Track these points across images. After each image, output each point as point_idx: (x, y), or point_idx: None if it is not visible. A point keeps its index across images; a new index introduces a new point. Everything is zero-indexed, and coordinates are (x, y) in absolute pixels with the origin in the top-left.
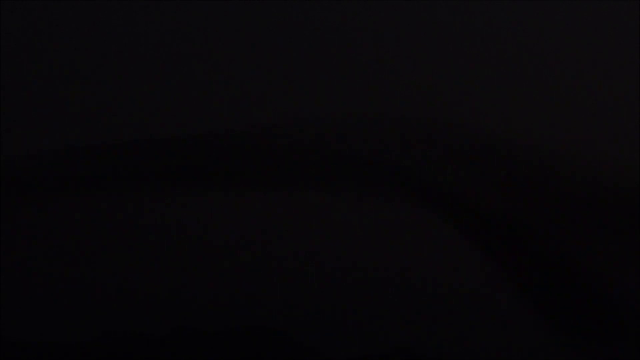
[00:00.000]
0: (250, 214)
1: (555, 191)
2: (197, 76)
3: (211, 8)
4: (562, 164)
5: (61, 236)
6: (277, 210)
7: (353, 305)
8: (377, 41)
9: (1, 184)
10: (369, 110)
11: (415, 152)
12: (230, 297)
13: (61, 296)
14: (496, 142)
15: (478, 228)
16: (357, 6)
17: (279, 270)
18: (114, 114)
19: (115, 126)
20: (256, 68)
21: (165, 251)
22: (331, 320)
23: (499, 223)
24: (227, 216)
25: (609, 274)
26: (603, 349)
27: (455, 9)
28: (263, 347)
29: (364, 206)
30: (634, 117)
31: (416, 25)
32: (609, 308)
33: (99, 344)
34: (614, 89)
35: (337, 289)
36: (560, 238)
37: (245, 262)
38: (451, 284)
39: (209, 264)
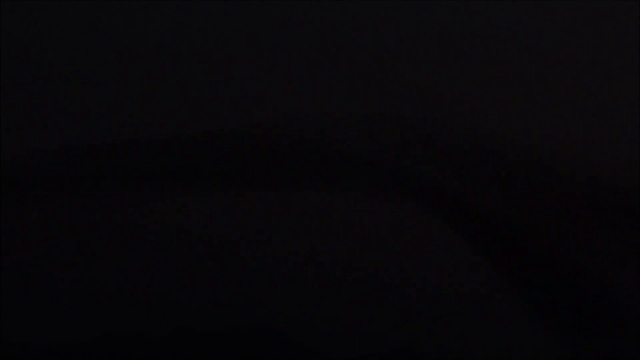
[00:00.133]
0: (250, 214)
1: (555, 191)
2: (196, 76)
3: (210, 8)
4: (561, 164)
5: (61, 236)
6: (277, 210)
7: (353, 305)
8: (375, 40)
9: (1, 184)
10: (367, 110)
11: (414, 152)
12: (230, 297)
13: (61, 296)
14: (495, 142)
15: (477, 228)
16: (356, 6)
17: (279, 270)
18: (113, 114)
19: (114, 126)
20: (255, 68)
21: (165, 251)
22: (331, 320)
23: (498, 223)
24: (228, 216)
25: (608, 273)
26: (602, 349)
27: (455, 9)
28: (263, 347)
29: (363, 206)
30: (634, 117)
31: (414, 25)
32: (609, 308)
33: (99, 344)
34: (614, 89)
35: (337, 288)
36: (560, 238)
37: (245, 262)
38: (451, 283)
39: (209, 264)
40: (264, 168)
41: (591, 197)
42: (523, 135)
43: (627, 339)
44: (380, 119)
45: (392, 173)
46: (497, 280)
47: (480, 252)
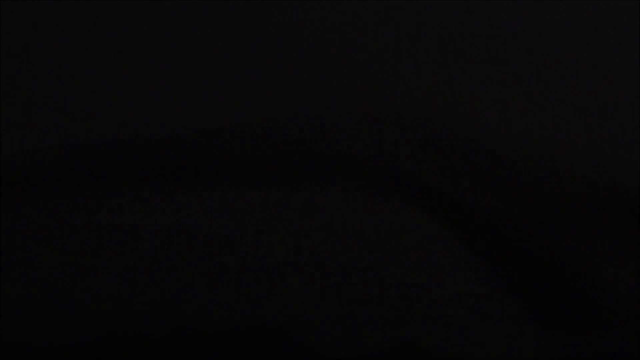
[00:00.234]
0: (250, 213)
1: (554, 191)
2: (196, 75)
3: (209, 7)
4: (561, 164)
5: (61, 236)
6: (278, 210)
7: (352, 304)
8: (375, 40)
9: (1, 184)
10: (367, 110)
11: (413, 152)
12: (230, 297)
13: (61, 296)
14: (494, 143)
15: (476, 228)
16: (356, 6)
17: (279, 271)
18: (112, 114)
19: (113, 125)
20: (255, 67)
21: (165, 251)
22: (330, 319)
23: (497, 223)
24: (228, 216)
25: (608, 273)
26: (602, 348)
27: (455, 9)
28: (263, 347)
29: (363, 206)
30: (634, 117)
31: (414, 25)
32: (608, 307)
33: (99, 344)
34: (614, 89)
35: (336, 288)
36: (559, 238)
37: (245, 262)
38: (451, 283)
39: (209, 264)
40: (264, 167)
41: (591, 197)
42: (523, 136)
43: (627, 339)
44: (380, 119)
45: (391, 173)
46: (497, 280)
47: (480, 252)
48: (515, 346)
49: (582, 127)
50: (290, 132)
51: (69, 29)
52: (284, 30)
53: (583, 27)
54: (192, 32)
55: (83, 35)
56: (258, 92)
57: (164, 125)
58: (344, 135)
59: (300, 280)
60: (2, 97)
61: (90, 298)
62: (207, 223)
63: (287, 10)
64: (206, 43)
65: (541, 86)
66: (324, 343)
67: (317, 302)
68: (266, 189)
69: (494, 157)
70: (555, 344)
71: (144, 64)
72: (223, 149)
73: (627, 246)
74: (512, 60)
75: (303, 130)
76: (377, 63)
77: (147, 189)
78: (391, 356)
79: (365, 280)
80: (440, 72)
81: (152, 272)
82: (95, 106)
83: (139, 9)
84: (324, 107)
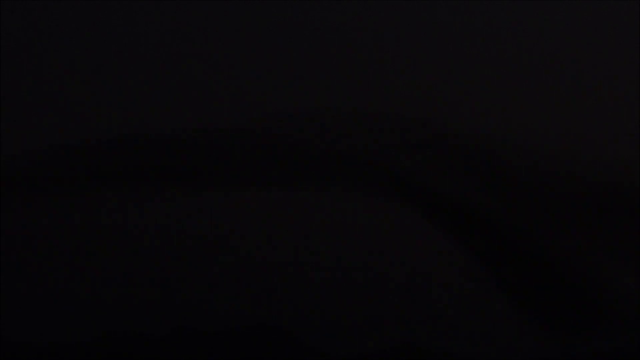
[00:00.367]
0: (250, 213)
1: (554, 191)
2: (193, 75)
3: (209, 7)
4: (561, 164)
5: (61, 236)
6: (278, 209)
7: (352, 303)
8: (371, 40)
9: (1, 184)
10: (366, 110)
11: (413, 152)
12: (230, 297)
13: (61, 296)
14: (494, 143)
15: (476, 229)
16: (354, 6)
17: (279, 270)
18: (111, 113)
19: (111, 124)
20: (254, 66)
21: (165, 251)
22: (331, 318)
23: (496, 224)
24: (228, 216)
25: (608, 273)
26: (601, 348)
27: (455, 9)
28: (263, 347)
29: (363, 206)
30: (634, 117)
31: (409, 24)
32: (608, 307)
33: (99, 344)
34: (614, 89)
35: (336, 287)
36: (559, 238)
37: (245, 262)
38: (451, 283)
39: (209, 263)
40: (263, 167)
41: (591, 197)
42: (522, 136)
43: (627, 339)
44: (380, 119)
45: (391, 173)
46: (496, 280)
47: (480, 252)
48: (515, 346)
49: (582, 127)
50: (289, 132)
51: (68, 28)
52: (284, 30)
53: (583, 27)
54: (192, 32)
55: (83, 35)
56: (257, 92)
57: (164, 124)
58: (344, 135)
59: (300, 280)
60: (2, 97)
61: (90, 298)
62: (207, 223)
63: (287, 10)
64: (206, 42)
65: (541, 86)
66: (324, 342)
67: (317, 302)
68: (266, 189)
69: (493, 157)
70: (555, 343)
71: (144, 64)
72: (222, 149)
73: (627, 246)
74: (512, 60)
75: (303, 129)
76: (377, 63)
77: (147, 189)
78: (391, 356)
79: (365, 279)
80: (440, 72)
81: (152, 272)
82: (95, 106)
83: (138, 8)
84: (323, 107)
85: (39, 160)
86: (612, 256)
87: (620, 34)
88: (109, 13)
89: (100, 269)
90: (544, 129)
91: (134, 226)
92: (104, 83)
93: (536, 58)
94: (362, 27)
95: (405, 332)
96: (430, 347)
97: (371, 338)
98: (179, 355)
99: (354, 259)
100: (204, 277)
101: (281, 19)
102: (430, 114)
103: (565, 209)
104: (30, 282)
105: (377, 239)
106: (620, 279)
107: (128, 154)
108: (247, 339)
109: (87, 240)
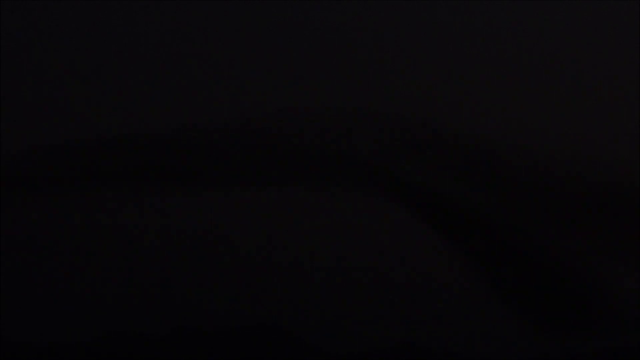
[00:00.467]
0: (250, 213)
1: (554, 191)
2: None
3: (209, 7)
4: (561, 164)
5: (61, 236)
6: (279, 209)
7: (352, 303)
8: (371, 40)
9: (1, 184)
10: (366, 110)
11: (410, 152)
12: (230, 296)
13: (61, 296)
14: (494, 144)
15: (477, 229)
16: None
17: (279, 270)
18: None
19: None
20: (254, 66)
21: (165, 251)
22: (330, 318)
23: (496, 224)
24: (228, 216)
25: (608, 273)
26: (600, 346)
27: (455, 9)
28: (263, 346)
29: (362, 206)
30: (634, 117)
31: (409, 24)
32: (608, 307)
33: (99, 344)
34: (614, 89)
35: (336, 286)
36: (559, 237)
37: (244, 262)
38: (450, 283)
39: (209, 263)
40: (263, 167)
41: (591, 197)
42: (522, 136)
43: (627, 339)
44: (380, 118)
45: (390, 173)
46: (496, 280)
47: (480, 252)
48: (515, 346)
49: (582, 127)
50: (289, 132)
51: (68, 28)
52: (284, 30)
53: (583, 27)
54: (192, 32)
55: (82, 35)
56: (257, 92)
57: (164, 124)
58: (344, 135)
59: (300, 280)
60: (2, 96)
61: (90, 298)
62: (207, 223)
63: (287, 10)
64: (206, 42)
65: (541, 86)
66: (324, 341)
67: (317, 301)
68: (265, 189)
69: (493, 157)
70: (555, 343)
71: (144, 64)
72: (222, 149)
73: (627, 246)
74: (512, 61)
75: (303, 130)
76: (377, 63)
77: (147, 189)
78: (391, 355)
79: (365, 279)
80: (440, 72)
81: (152, 272)
82: (95, 105)
83: (138, 8)
84: (323, 107)
85: (39, 159)
86: (612, 256)
87: (620, 34)
88: (109, 13)
89: (100, 269)
90: (544, 129)
91: (134, 226)
92: (104, 83)
93: (536, 58)
94: (362, 27)
95: (405, 332)
96: (430, 346)
97: (371, 337)
98: (179, 355)
99: (353, 258)
100: (204, 277)
101: (281, 18)
102: (430, 114)
103: (565, 209)
104: (30, 282)
105: (377, 238)
106: (620, 279)
107: (128, 154)
108: (247, 338)
109: (87, 240)
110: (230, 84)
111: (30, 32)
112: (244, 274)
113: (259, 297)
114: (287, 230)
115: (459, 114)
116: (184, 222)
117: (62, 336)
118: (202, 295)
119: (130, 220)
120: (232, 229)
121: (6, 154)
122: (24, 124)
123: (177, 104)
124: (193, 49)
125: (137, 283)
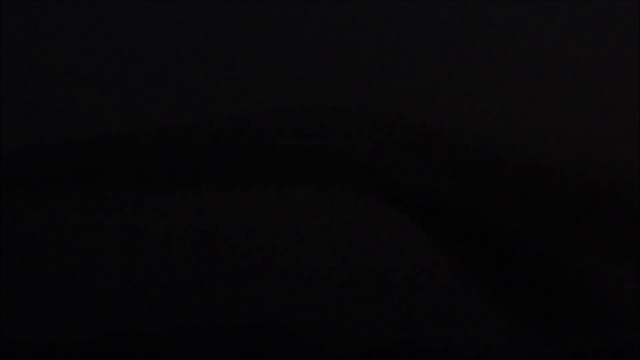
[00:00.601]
0: (249, 213)
1: (554, 191)
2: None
3: (209, 7)
4: (561, 164)
5: (60, 236)
6: (279, 208)
7: (352, 302)
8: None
9: (1, 184)
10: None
11: (409, 152)
12: (231, 296)
13: (61, 296)
14: (493, 144)
15: (477, 229)
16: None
17: (279, 269)
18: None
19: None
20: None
21: (165, 251)
22: (331, 317)
23: (497, 223)
24: (228, 215)
25: (608, 273)
26: (599, 345)
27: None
28: (264, 345)
29: (362, 205)
30: (634, 117)
31: (409, 24)
32: (607, 307)
33: (99, 344)
34: (614, 89)
35: (336, 286)
36: (558, 237)
37: (245, 261)
38: (449, 282)
39: (209, 263)
40: (263, 166)
41: (591, 197)
42: (522, 136)
43: (626, 339)
44: (380, 118)
45: (390, 173)
46: (496, 280)
47: (479, 252)
48: (514, 345)
49: (582, 127)
50: (289, 132)
51: (68, 28)
52: (284, 29)
53: (583, 27)
54: (192, 32)
55: (82, 35)
56: (257, 91)
57: (164, 124)
58: (344, 135)
59: (300, 279)
60: (2, 96)
61: (90, 298)
62: (207, 223)
63: (287, 10)
64: (206, 42)
65: (541, 86)
66: (325, 341)
67: (318, 300)
68: (265, 188)
69: (492, 157)
70: (554, 343)
71: (144, 63)
72: (222, 149)
73: (627, 246)
74: (512, 61)
75: (303, 129)
76: (377, 63)
77: (147, 189)
78: (391, 354)
79: (365, 278)
80: (440, 73)
81: (152, 272)
82: (95, 105)
83: (138, 8)
84: (323, 107)
85: (38, 159)
86: (612, 256)
87: (620, 34)
88: (109, 13)
89: (100, 269)
90: (544, 129)
91: (134, 226)
92: (104, 83)
93: (536, 58)
94: (362, 27)
95: (405, 331)
96: (430, 345)
97: (371, 336)
98: (179, 355)
99: (353, 258)
100: (204, 277)
101: (281, 18)
102: (430, 114)
103: (565, 209)
104: (30, 282)
105: (377, 238)
106: (619, 279)
107: (128, 154)
108: (247, 337)
109: (87, 240)
110: (230, 83)
111: (30, 32)
112: (244, 273)
113: (259, 296)
114: (287, 230)
115: (458, 114)
116: (183, 222)
117: (62, 336)
118: (202, 294)
119: (130, 220)
120: (232, 229)
121: (6, 154)
122: (24, 124)
123: (177, 104)
124: (193, 49)
125: (137, 283)
